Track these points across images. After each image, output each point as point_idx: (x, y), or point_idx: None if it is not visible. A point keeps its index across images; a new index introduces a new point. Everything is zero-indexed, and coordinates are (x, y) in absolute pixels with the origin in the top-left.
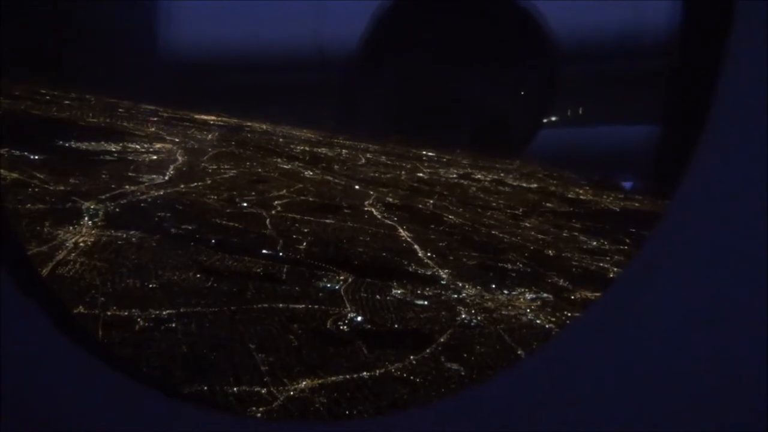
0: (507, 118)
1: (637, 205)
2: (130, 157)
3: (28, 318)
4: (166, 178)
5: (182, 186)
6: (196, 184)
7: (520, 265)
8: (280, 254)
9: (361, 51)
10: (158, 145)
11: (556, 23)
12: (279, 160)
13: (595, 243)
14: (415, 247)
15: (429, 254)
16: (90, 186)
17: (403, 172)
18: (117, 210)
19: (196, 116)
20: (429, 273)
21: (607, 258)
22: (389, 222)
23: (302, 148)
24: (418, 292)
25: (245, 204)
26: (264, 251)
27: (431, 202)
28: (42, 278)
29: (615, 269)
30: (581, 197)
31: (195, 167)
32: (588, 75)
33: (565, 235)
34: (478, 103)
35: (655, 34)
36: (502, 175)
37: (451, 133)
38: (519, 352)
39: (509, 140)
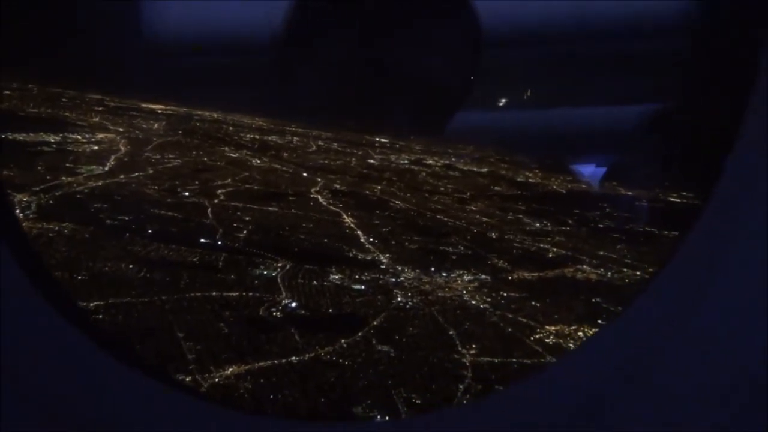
0: (437, 90)
1: (583, 186)
2: (70, 148)
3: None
4: (106, 168)
5: (122, 176)
6: (136, 174)
7: (462, 248)
8: (219, 243)
9: (284, 32)
10: (100, 135)
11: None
12: (227, 148)
13: (538, 225)
14: (358, 232)
15: (371, 239)
16: (24, 178)
17: (353, 159)
18: (51, 202)
19: (144, 105)
20: (369, 258)
21: (548, 239)
22: (334, 209)
23: (252, 136)
24: (356, 276)
25: (187, 193)
26: (202, 240)
27: (379, 188)
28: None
29: (555, 249)
30: (530, 180)
31: (137, 157)
32: (545, 57)
33: (509, 217)
34: (409, 76)
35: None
36: (453, 160)
37: (388, 109)
38: (450, 333)
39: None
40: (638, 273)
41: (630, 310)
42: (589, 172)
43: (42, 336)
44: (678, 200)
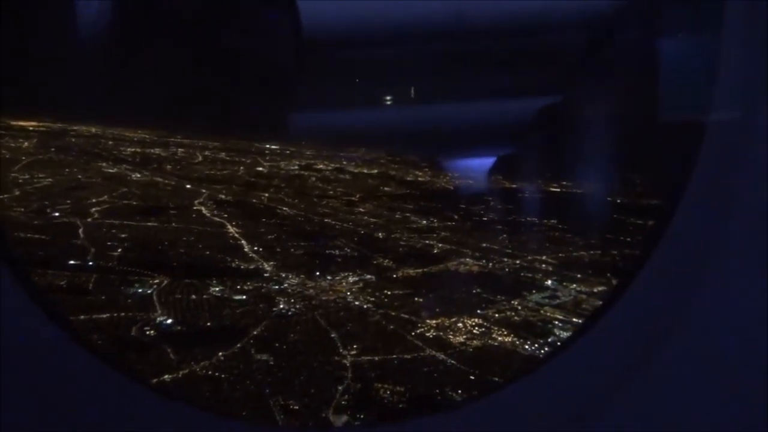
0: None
1: (470, 182)
2: None
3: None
4: None
5: None
6: (1, 196)
7: (348, 250)
8: (90, 263)
9: (110, 33)
10: None
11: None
12: (104, 164)
13: (424, 222)
14: (242, 242)
15: (255, 248)
16: None
17: (242, 168)
18: None
19: (13, 123)
20: (252, 267)
21: (434, 235)
22: (218, 219)
23: (133, 149)
24: (238, 287)
25: (57, 214)
26: (71, 262)
27: (266, 195)
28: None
29: (440, 245)
30: (419, 179)
31: (3, 179)
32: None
33: (397, 216)
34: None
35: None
36: (344, 163)
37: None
38: (332, 335)
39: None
40: (518, 262)
41: (616, 310)
42: (476, 167)
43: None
44: (558, 189)
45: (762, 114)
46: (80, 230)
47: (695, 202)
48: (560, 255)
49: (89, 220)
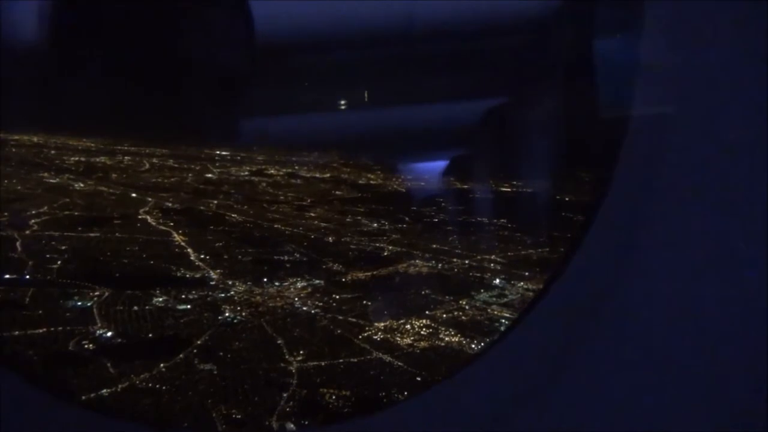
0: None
1: (422, 184)
2: None
3: None
4: None
5: None
6: None
7: (297, 256)
8: (27, 277)
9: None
10: None
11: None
12: (46, 174)
13: (375, 225)
14: (188, 250)
15: (202, 256)
16: None
17: (190, 175)
18: None
19: None
20: (198, 275)
21: (385, 238)
22: (164, 228)
23: (77, 159)
24: (182, 296)
25: None
26: (7, 276)
27: (215, 202)
28: None
29: (390, 247)
30: (371, 182)
31: None
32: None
33: (348, 220)
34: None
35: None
36: (296, 168)
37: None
38: (278, 342)
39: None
40: (467, 262)
41: (542, 306)
42: (428, 169)
43: None
44: (508, 189)
45: (684, 107)
46: (18, 243)
47: (621, 195)
48: (509, 254)
49: (28, 232)
